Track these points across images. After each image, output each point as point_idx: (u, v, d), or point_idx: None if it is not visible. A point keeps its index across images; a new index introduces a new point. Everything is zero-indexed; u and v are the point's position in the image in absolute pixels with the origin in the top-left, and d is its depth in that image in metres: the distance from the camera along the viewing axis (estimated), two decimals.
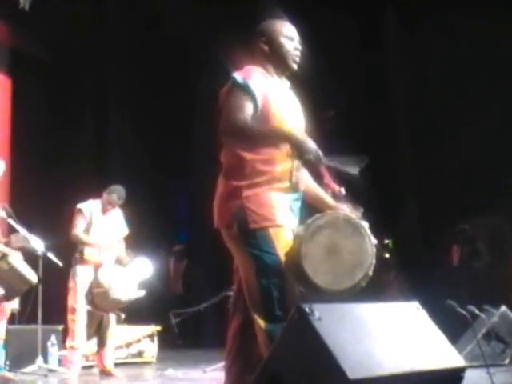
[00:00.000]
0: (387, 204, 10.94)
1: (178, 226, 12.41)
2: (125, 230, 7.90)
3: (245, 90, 3.43)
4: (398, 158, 12.09)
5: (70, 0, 10.37)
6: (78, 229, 7.57)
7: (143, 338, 8.88)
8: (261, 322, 3.29)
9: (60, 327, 8.24)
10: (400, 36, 12.10)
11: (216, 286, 8.65)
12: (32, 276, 7.04)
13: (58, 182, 8.10)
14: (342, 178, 3.51)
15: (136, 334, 8.85)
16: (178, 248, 12.45)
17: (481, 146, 10.84)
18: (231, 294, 7.31)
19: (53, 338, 8.00)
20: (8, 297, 7.10)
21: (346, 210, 3.56)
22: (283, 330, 2.81)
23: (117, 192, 7.71)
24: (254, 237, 3.35)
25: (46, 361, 7.86)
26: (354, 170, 3.48)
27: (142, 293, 7.88)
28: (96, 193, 7.88)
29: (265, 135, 3.42)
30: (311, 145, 3.37)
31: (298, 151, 3.36)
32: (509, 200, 10.62)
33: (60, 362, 8.10)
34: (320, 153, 3.37)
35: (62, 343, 8.18)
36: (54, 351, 8.00)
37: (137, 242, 8.30)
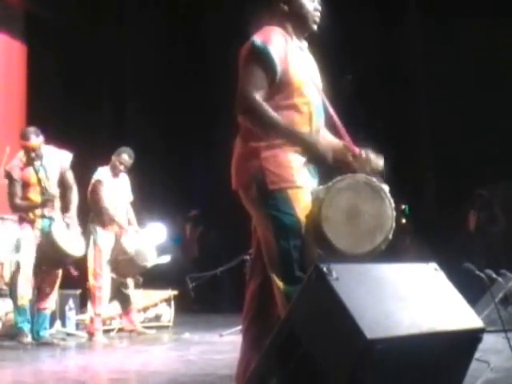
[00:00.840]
0: (404, 170, 10.89)
1: (195, 190, 12.40)
2: (130, 196, 8.03)
3: (264, 56, 3.39)
4: (416, 123, 12.02)
5: None
6: (104, 201, 7.68)
7: (160, 302, 8.93)
8: (279, 284, 3.28)
9: (77, 292, 8.31)
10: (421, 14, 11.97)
11: (232, 251, 8.66)
12: (77, 248, 7.05)
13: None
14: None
15: (153, 298, 8.90)
16: (193, 213, 12.46)
17: (497, 114, 10.76)
18: (248, 258, 7.38)
19: (70, 303, 8.09)
20: (53, 267, 7.13)
21: (370, 155, 3.54)
22: (300, 289, 2.80)
23: (126, 152, 7.86)
24: (272, 198, 3.33)
25: (63, 325, 7.95)
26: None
27: (167, 258, 8.01)
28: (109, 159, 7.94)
29: (281, 130, 3.37)
30: (321, 148, 3.37)
31: (309, 154, 3.37)
32: None
33: (78, 326, 8.20)
34: (330, 155, 3.37)
35: (79, 307, 8.27)
36: (71, 315, 8.09)
37: (153, 207, 8.33)
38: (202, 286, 9.40)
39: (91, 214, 7.77)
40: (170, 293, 9.04)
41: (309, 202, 3.34)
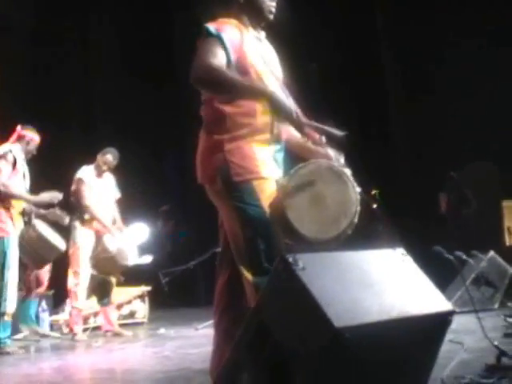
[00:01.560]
0: (374, 153, 10.92)
1: (164, 186, 12.36)
2: (117, 194, 8.03)
3: (217, 38, 3.37)
4: (386, 108, 12.03)
5: None
6: (88, 199, 7.69)
7: (134, 298, 8.91)
8: (248, 275, 3.28)
9: (50, 293, 8.26)
10: None
11: (204, 244, 8.64)
12: (60, 243, 7.02)
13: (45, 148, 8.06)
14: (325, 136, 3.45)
15: (126, 295, 8.87)
16: (164, 208, 12.45)
17: (473, 94, 10.81)
18: (219, 250, 7.36)
19: (43, 304, 8.03)
20: (38, 265, 7.08)
21: (331, 153, 3.54)
22: (268, 280, 2.79)
23: (111, 153, 7.88)
24: (238, 190, 3.33)
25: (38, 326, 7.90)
26: (337, 131, 3.42)
27: (149, 258, 8.01)
28: (84, 158, 7.92)
29: (241, 86, 3.31)
30: (288, 103, 3.32)
31: (276, 109, 3.31)
32: (495, 145, 10.63)
33: (52, 327, 8.15)
34: (298, 112, 3.32)
35: (52, 308, 8.23)
36: (45, 316, 8.04)
37: (125, 204, 8.30)
38: (176, 280, 9.39)
39: (74, 212, 7.74)
40: (144, 289, 9.02)
41: (274, 191, 3.33)
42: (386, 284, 2.83)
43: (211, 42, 3.37)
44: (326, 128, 3.38)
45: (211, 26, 3.42)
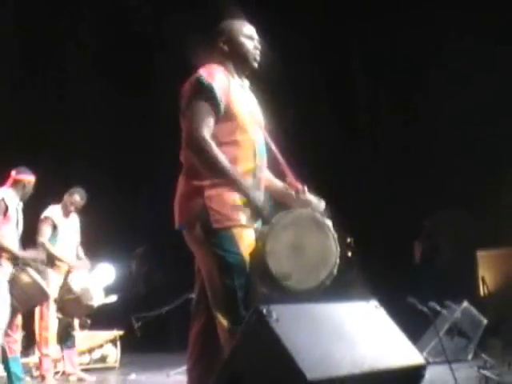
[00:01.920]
0: (349, 202, 10.97)
1: (140, 228, 12.31)
2: (78, 237, 7.93)
3: (209, 92, 3.40)
4: (362, 153, 12.12)
5: None
6: (45, 237, 7.58)
7: (105, 342, 8.81)
8: (224, 323, 3.28)
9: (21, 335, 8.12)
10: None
11: (178, 289, 8.59)
12: (47, 289, 6.92)
13: None
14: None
15: (98, 339, 8.77)
16: (139, 250, 12.38)
17: (449, 140, 10.92)
18: (193, 296, 7.31)
19: None
20: (25, 309, 6.95)
21: (312, 200, 3.56)
22: (241, 331, 2.79)
23: (78, 193, 7.79)
24: (217, 237, 3.33)
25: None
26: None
27: (113, 298, 7.91)
28: (55, 198, 7.85)
29: (221, 170, 3.34)
30: (260, 204, 3.35)
31: (251, 204, 3.35)
32: (469, 194, 10.71)
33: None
34: (266, 207, 3.36)
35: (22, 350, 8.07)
36: None
37: (98, 245, 8.25)
38: (148, 325, 9.30)
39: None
40: (116, 333, 8.92)
41: (253, 240, 3.35)
42: (358, 337, 2.84)
43: (202, 97, 3.40)
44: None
45: (202, 76, 3.44)
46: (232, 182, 3.34)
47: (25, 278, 6.64)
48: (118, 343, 8.89)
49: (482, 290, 10.86)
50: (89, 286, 7.47)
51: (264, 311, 2.63)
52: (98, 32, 11.79)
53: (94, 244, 8.18)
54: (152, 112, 11.43)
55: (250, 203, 3.34)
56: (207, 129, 3.35)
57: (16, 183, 6.86)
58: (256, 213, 3.36)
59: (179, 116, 3.53)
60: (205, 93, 3.40)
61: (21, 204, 6.87)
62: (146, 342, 10.11)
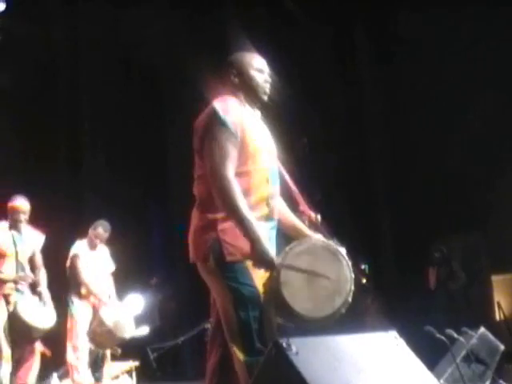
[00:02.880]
0: (362, 229, 10.96)
1: (154, 258, 12.32)
2: (111, 266, 8.03)
3: (227, 126, 3.42)
4: (372, 182, 12.13)
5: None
6: (85, 275, 7.68)
7: (122, 373, 8.77)
8: (240, 355, 3.28)
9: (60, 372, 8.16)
10: (374, 64, 12.19)
11: (193, 319, 8.58)
12: (43, 321, 6.87)
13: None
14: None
15: (114, 369, 8.73)
16: (154, 281, 12.39)
17: (458, 165, 10.92)
18: (209, 326, 7.30)
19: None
20: (24, 339, 6.92)
21: (321, 238, 3.57)
22: (261, 365, 2.80)
23: (102, 226, 7.91)
24: (231, 269, 3.34)
25: None
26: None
27: (146, 330, 7.96)
28: (73, 230, 7.91)
29: (243, 221, 3.32)
30: (270, 256, 3.31)
31: (256, 257, 3.31)
32: (483, 218, 10.69)
33: None
34: (274, 263, 3.31)
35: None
36: None
37: (117, 276, 8.28)
38: (164, 355, 9.27)
39: (70, 287, 7.75)
40: (132, 364, 8.89)
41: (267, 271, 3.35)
42: (377, 369, 2.83)
43: (220, 130, 3.41)
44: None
45: (218, 109, 3.46)
46: (245, 230, 3.32)
47: (16, 321, 6.65)
48: (134, 374, 8.85)
49: (498, 315, 10.80)
50: (120, 319, 7.54)
51: (284, 344, 2.63)
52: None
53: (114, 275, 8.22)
54: (163, 145, 11.49)
55: (257, 254, 3.30)
56: (232, 166, 3.38)
57: (7, 212, 6.86)
58: (259, 264, 3.33)
59: (193, 150, 3.55)
60: (224, 127, 3.42)
61: (23, 232, 6.83)
62: (162, 373, 10.08)
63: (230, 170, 3.37)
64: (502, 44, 10.38)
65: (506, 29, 10.09)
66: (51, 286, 7.18)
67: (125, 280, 9.22)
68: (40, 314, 6.83)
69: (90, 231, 7.87)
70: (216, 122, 3.44)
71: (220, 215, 3.39)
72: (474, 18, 10.34)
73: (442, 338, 4.91)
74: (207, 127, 3.47)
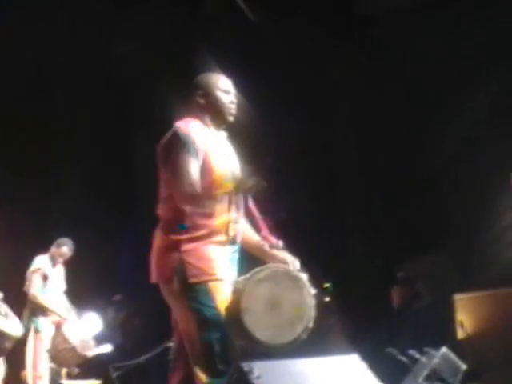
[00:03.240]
0: (327, 248, 11.00)
1: (117, 276, 12.24)
2: (63, 286, 8.01)
3: (189, 145, 3.44)
4: (340, 198, 12.17)
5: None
6: (37, 289, 7.62)
7: None
8: (202, 377, 3.29)
9: None
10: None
11: (156, 337, 8.52)
12: (14, 329, 6.84)
13: None
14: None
15: None
16: (117, 298, 12.30)
17: (423, 186, 11.02)
18: (172, 345, 7.25)
19: None
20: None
21: (286, 256, 3.56)
22: None
23: (67, 245, 7.91)
24: (194, 291, 3.34)
25: None
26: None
27: (108, 348, 7.89)
28: (37, 248, 7.85)
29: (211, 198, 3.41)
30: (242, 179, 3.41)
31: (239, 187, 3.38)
32: (447, 240, 10.78)
33: None
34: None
35: None
36: None
37: (75, 294, 8.22)
38: (127, 374, 9.19)
39: (29, 303, 7.66)
40: (93, 382, 8.81)
41: (229, 293, 3.37)
42: None
43: (183, 150, 3.44)
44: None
45: (181, 129, 3.49)
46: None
47: None
48: None
49: (460, 334, 10.88)
50: (85, 336, 7.48)
51: (245, 368, 2.63)
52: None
53: (72, 292, 8.14)
54: (131, 163, 11.45)
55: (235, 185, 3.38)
56: (197, 180, 3.40)
57: None
58: (241, 188, 3.40)
59: (157, 171, 3.55)
60: (186, 145, 3.44)
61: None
62: None
63: (197, 185, 3.39)
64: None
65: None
66: (16, 304, 7.15)
67: (87, 297, 9.17)
68: (8, 321, 6.80)
69: (54, 249, 7.80)
70: (178, 142, 3.46)
71: (184, 236, 3.39)
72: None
73: (404, 359, 4.94)
74: (169, 147, 3.49)
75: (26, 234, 9.39)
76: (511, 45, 9.86)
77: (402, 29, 10.74)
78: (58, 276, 7.86)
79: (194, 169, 3.42)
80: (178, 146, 3.45)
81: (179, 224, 3.42)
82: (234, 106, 3.67)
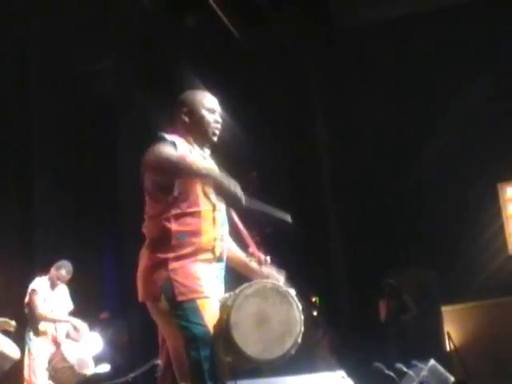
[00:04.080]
0: (314, 261, 11.01)
1: (104, 294, 12.19)
2: (70, 305, 7.99)
3: (170, 144, 3.45)
4: (324, 213, 12.19)
5: None
6: (41, 308, 7.60)
7: None
8: None
9: None
10: (323, 90, 12.30)
11: (144, 354, 8.49)
12: (14, 351, 6.82)
13: None
14: (271, 223, 3.50)
15: None
16: (104, 316, 12.25)
17: (405, 198, 11.08)
18: (159, 362, 7.23)
19: None
20: None
21: (272, 273, 3.57)
22: None
23: (65, 267, 7.87)
24: (181, 309, 3.33)
25: None
26: (283, 216, 3.49)
27: (106, 367, 7.87)
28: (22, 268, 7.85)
29: (195, 171, 3.36)
30: (238, 190, 3.32)
31: (224, 194, 3.33)
32: (434, 251, 10.83)
33: None
34: (245, 199, 3.33)
35: None
36: None
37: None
38: None
39: (28, 324, 7.65)
40: None
41: (217, 310, 3.36)
42: None
43: (166, 144, 3.44)
44: (273, 213, 3.44)
45: (165, 136, 3.49)
46: (207, 176, 3.35)
47: None
48: None
49: (448, 346, 10.91)
50: (83, 355, 7.47)
51: None
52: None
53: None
54: (115, 179, 11.42)
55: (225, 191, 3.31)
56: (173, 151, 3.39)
57: None
58: (232, 202, 3.35)
59: (142, 188, 3.55)
60: (167, 143, 3.45)
61: None
62: None
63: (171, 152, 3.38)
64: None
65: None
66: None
67: (73, 314, 9.13)
68: (6, 343, 6.79)
69: (53, 271, 7.82)
70: (160, 142, 3.47)
71: (171, 254, 3.39)
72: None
73: (391, 374, 4.94)
74: (151, 150, 3.46)
75: (9, 254, 9.36)
76: (487, 55, 10.00)
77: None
78: (59, 297, 7.87)
79: (173, 151, 3.41)
80: (160, 144, 3.46)
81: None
82: (218, 126, 3.67)
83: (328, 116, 12.18)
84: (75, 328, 7.62)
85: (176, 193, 3.43)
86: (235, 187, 3.31)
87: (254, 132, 10.71)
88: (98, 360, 8.08)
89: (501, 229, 11.45)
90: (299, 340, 3.32)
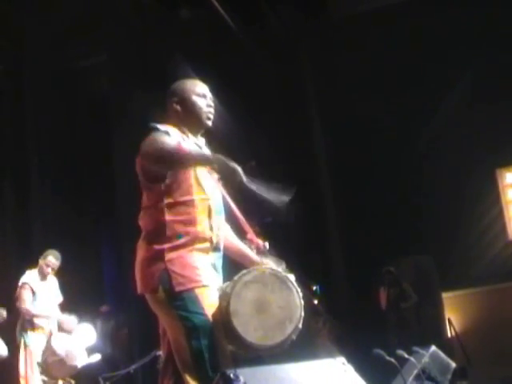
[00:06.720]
0: (312, 250, 11.00)
1: (104, 286, 12.19)
2: (59, 297, 7.96)
3: (164, 133, 3.45)
4: (322, 201, 12.18)
5: None
6: (27, 303, 7.59)
7: None
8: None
9: None
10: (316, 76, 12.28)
11: (145, 346, 8.50)
12: (1, 349, 6.83)
13: None
14: (266, 206, 3.48)
15: None
16: (104, 309, 12.25)
17: (403, 185, 11.07)
18: (161, 353, 7.23)
19: None
20: None
21: (270, 263, 3.56)
22: None
23: (52, 254, 7.85)
24: (180, 299, 3.32)
25: None
26: (279, 198, 3.47)
27: (97, 357, 7.86)
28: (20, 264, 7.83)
29: (194, 157, 3.39)
30: (238, 168, 3.31)
31: (221, 171, 3.32)
32: (433, 238, 10.83)
33: None
34: (242, 174, 3.31)
35: None
36: None
37: (64, 306, 8.19)
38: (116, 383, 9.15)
39: (21, 318, 7.65)
40: None
41: (216, 299, 3.35)
42: None
43: (160, 134, 3.45)
44: (268, 196, 3.43)
45: (158, 126, 3.50)
46: (195, 163, 3.39)
47: None
48: None
49: (448, 332, 10.92)
50: (72, 347, 7.45)
51: (231, 375, 2.62)
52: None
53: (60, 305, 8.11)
54: (112, 174, 11.40)
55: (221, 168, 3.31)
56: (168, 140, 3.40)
57: None
58: (233, 180, 3.33)
59: (138, 178, 3.54)
60: (162, 132, 3.45)
61: None
62: None
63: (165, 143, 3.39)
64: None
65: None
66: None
67: (75, 308, 9.12)
68: None
69: (41, 261, 7.79)
70: (154, 132, 3.47)
71: (167, 245, 3.38)
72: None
73: (392, 360, 4.93)
74: (146, 140, 3.47)
75: (7, 251, 9.36)
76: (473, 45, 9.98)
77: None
78: (49, 288, 7.84)
79: (168, 140, 3.42)
80: (155, 133, 3.46)
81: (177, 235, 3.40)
82: (211, 110, 3.65)
83: (323, 103, 12.15)
84: (61, 324, 7.60)
85: (168, 181, 3.42)
86: (234, 165, 3.29)
87: (250, 122, 10.68)
88: (92, 351, 8.08)
89: (500, 214, 11.45)
90: (300, 325, 3.31)
